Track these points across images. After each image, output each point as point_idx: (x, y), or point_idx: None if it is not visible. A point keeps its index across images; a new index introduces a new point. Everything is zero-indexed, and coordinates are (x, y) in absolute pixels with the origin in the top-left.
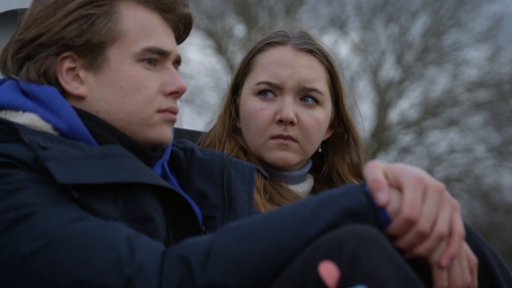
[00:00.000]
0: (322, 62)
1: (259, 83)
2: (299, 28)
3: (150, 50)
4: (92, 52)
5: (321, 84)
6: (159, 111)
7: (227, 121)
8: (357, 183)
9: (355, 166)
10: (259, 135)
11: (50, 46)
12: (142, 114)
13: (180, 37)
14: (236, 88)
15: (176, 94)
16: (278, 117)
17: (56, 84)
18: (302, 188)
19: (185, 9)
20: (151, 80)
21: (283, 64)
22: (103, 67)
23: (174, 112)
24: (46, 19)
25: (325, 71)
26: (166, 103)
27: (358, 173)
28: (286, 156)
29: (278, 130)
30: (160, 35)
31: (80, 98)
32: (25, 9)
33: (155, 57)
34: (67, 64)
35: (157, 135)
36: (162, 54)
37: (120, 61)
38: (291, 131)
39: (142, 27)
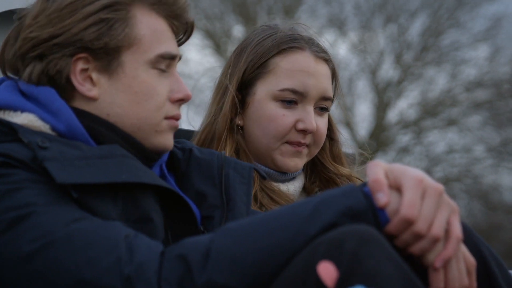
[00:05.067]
0: (330, 68)
1: (284, 90)
2: (307, 30)
3: (162, 56)
4: (107, 56)
5: (331, 91)
6: (167, 117)
7: (229, 118)
8: (337, 166)
9: (334, 156)
10: (276, 139)
11: (66, 47)
12: (152, 120)
13: (180, 42)
14: (243, 86)
15: (182, 101)
16: (301, 127)
17: (66, 85)
18: (293, 185)
19: (191, 18)
20: (162, 87)
21: (308, 73)
22: (118, 71)
23: (179, 119)
24: (62, 19)
25: (331, 77)
26: (173, 110)
27: (337, 162)
28: (299, 164)
29: (297, 137)
30: (169, 40)
31: (91, 100)
32: (25, 9)
33: (166, 63)
34: (81, 65)
35: (162, 141)
36: (173, 59)
37: (135, 67)
38: (308, 139)
39: (155, 32)
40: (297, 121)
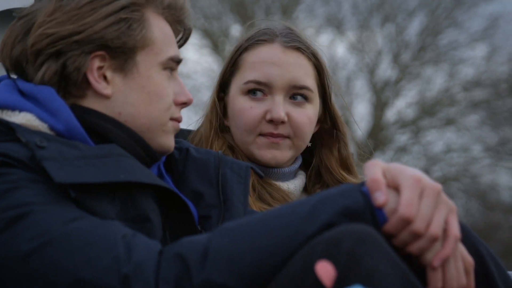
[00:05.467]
0: (310, 58)
1: (248, 82)
2: (283, 24)
3: (172, 59)
4: (124, 55)
5: (310, 81)
6: (172, 119)
7: (214, 120)
8: (346, 175)
9: (344, 159)
10: (248, 132)
11: (86, 44)
12: (161, 120)
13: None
14: (223, 87)
15: (185, 105)
16: (268, 117)
17: (81, 82)
18: (294, 184)
19: (190, 24)
20: (169, 89)
21: (273, 63)
22: (132, 71)
23: (181, 121)
24: (83, 17)
25: (313, 67)
26: (177, 112)
27: (347, 167)
28: (278, 156)
29: (268, 128)
30: (175, 44)
31: (103, 98)
32: (25, 8)
33: (173, 66)
34: (97, 63)
35: (167, 142)
36: (179, 63)
37: (149, 68)
38: (282, 129)
39: (166, 36)
40: (266, 112)
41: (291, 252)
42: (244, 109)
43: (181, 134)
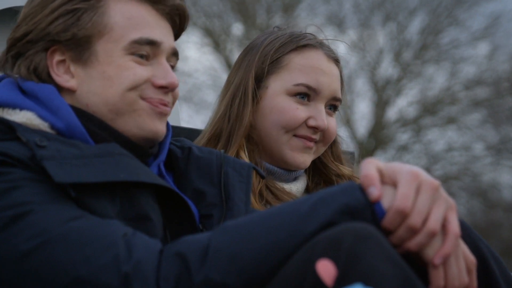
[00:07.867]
0: (339, 71)
1: (299, 85)
2: (319, 33)
3: (137, 42)
4: (78, 46)
5: (340, 92)
6: (144, 98)
7: (248, 112)
8: (340, 166)
9: (337, 155)
10: (285, 131)
11: (37, 42)
12: (126, 99)
13: (178, 31)
14: (255, 81)
15: (166, 89)
16: (313, 124)
17: (49, 79)
18: (296, 186)
19: (177, 0)
20: (140, 70)
21: (322, 70)
22: (91, 60)
23: (163, 103)
24: (34, 16)
25: (340, 80)
26: (153, 93)
27: (340, 161)
28: (307, 160)
29: (307, 132)
30: (149, 26)
31: (71, 91)
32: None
33: (146, 50)
34: (57, 57)
35: (146, 124)
36: (152, 45)
37: (109, 55)
38: (317, 135)
39: (129, 19)
40: (308, 118)
41: (291, 251)
42: (290, 108)
43: (185, 133)
